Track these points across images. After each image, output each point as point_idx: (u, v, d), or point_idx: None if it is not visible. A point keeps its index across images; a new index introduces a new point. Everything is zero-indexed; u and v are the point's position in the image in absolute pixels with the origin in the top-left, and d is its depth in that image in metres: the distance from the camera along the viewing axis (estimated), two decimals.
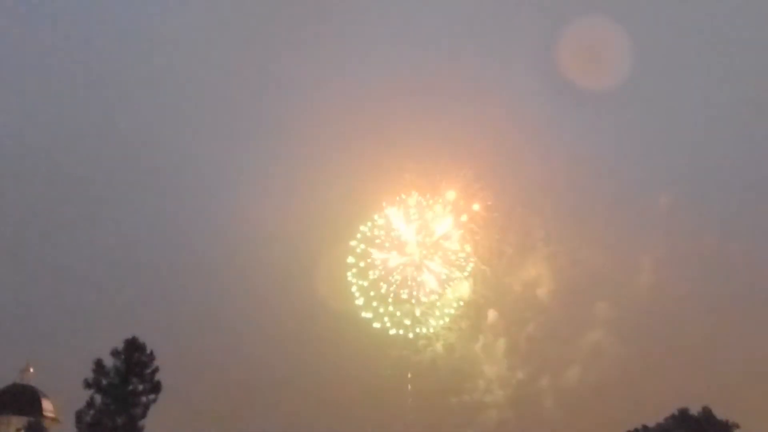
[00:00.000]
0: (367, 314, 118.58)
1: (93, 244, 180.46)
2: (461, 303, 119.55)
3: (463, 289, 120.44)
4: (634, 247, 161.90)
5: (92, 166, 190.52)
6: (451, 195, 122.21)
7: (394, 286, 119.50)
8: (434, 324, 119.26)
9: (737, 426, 75.51)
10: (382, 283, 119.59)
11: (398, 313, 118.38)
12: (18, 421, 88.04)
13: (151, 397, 65.54)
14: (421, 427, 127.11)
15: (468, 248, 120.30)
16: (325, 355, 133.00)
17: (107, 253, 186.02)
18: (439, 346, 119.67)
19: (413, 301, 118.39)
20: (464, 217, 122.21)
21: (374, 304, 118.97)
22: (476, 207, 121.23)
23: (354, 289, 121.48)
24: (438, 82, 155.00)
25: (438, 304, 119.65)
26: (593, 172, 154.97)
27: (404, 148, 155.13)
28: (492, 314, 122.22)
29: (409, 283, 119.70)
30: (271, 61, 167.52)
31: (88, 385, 63.80)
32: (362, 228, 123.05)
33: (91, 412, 63.19)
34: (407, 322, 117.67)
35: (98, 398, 63.71)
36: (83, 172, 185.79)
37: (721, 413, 75.57)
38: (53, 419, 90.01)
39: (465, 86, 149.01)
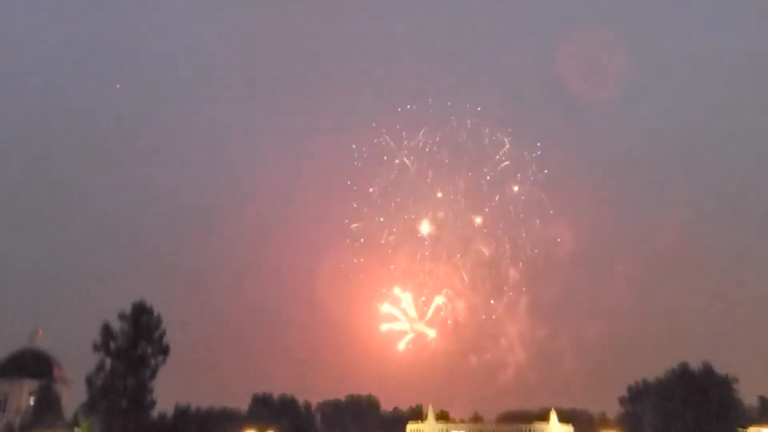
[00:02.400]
0: None
1: (97, 210, 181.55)
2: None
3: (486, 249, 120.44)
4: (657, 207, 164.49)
5: (92, 132, 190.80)
6: None
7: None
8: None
9: (736, 380, 76.23)
10: None
11: None
12: (30, 385, 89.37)
13: (160, 359, 66.55)
14: (443, 385, 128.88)
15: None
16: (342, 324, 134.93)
17: (112, 218, 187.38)
18: (460, 305, 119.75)
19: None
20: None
21: None
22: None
23: None
24: None
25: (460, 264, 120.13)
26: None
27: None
28: (513, 274, 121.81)
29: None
30: None
31: (97, 348, 64.79)
32: None
33: (102, 375, 64.32)
34: None
35: (108, 361, 64.76)
36: (84, 137, 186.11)
37: (720, 368, 76.33)
38: (64, 382, 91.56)
39: None
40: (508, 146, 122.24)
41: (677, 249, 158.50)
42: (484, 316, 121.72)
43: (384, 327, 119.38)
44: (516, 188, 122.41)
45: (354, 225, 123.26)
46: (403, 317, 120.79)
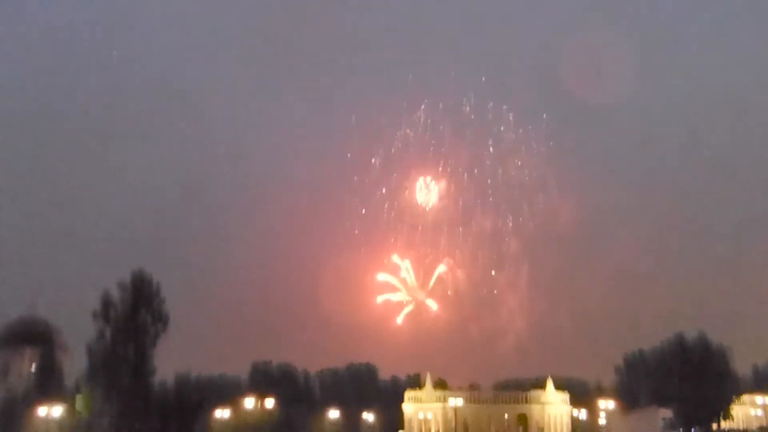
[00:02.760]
0: None
1: (98, 179, 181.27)
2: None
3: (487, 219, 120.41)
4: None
5: (99, 104, 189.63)
6: None
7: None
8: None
9: (731, 350, 76.84)
10: None
11: None
12: (31, 352, 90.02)
13: (160, 327, 66.92)
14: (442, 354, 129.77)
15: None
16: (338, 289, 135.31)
17: (112, 187, 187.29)
18: (461, 275, 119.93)
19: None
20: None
21: None
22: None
23: None
24: None
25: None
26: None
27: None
28: (515, 243, 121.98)
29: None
30: None
31: (96, 317, 65.11)
32: None
33: (102, 343, 64.77)
34: None
35: (108, 330, 65.16)
36: (89, 108, 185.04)
37: (715, 338, 76.89)
38: (65, 351, 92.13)
39: None
40: (512, 119, 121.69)
41: (676, 220, 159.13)
42: (485, 289, 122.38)
43: (382, 298, 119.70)
44: (519, 162, 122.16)
45: (355, 196, 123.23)
46: (402, 287, 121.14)
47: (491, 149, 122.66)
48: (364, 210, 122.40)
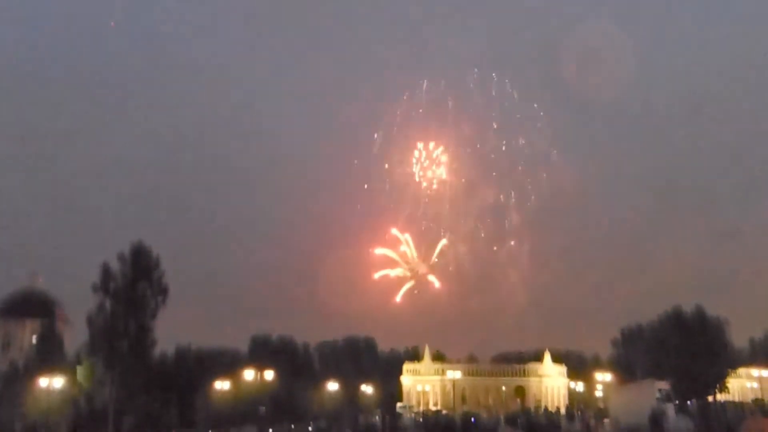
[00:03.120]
0: None
1: (97, 150, 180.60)
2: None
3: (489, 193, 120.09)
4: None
5: (98, 73, 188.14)
6: None
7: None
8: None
9: (728, 322, 77.12)
10: None
11: None
12: (32, 325, 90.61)
13: (160, 299, 67.06)
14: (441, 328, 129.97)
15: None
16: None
17: (112, 159, 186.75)
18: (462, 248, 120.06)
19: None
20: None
21: None
22: None
23: None
24: None
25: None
26: None
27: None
28: (516, 218, 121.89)
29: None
30: None
31: (96, 289, 65.23)
32: None
33: (102, 315, 64.99)
34: None
35: (107, 302, 65.35)
36: (90, 77, 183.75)
37: (713, 311, 77.11)
38: (65, 323, 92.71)
39: None
40: (516, 96, 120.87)
41: (678, 193, 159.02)
42: (485, 263, 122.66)
43: (382, 272, 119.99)
44: (522, 141, 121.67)
45: (357, 171, 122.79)
46: (402, 261, 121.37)
47: (494, 125, 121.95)
48: (366, 185, 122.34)
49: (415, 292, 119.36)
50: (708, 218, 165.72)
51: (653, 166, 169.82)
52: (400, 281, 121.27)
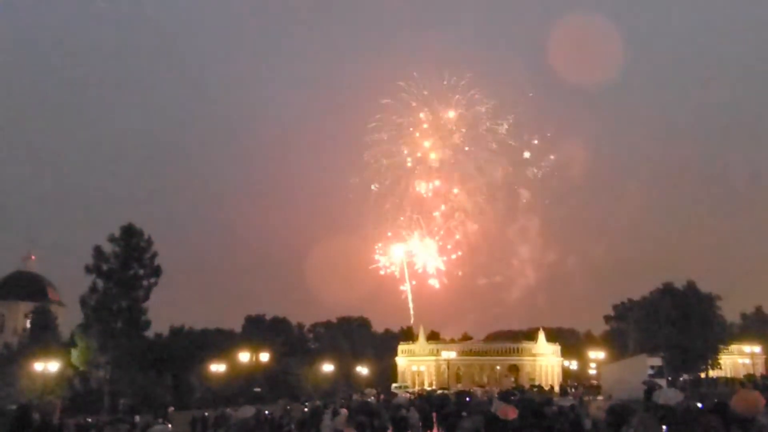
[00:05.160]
0: None
1: (89, 132, 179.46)
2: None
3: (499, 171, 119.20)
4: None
5: (93, 54, 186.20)
6: None
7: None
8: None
9: (719, 298, 77.41)
10: None
11: None
12: (25, 306, 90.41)
13: (152, 280, 67.17)
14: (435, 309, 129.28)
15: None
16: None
17: (105, 140, 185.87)
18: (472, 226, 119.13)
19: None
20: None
21: None
22: None
23: None
24: None
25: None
26: None
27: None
28: (525, 194, 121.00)
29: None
30: None
31: (89, 271, 65.23)
32: None
33: (95, 296, 65.04)
34: None
35: (100, 283, 65.37)
36: (86, 59, 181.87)
37: (705, 287, 77.42)
38: (59, 304, 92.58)
39: None
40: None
41: (684, 170, 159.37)
42: (488, 242, 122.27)
43: (384, 251, 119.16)
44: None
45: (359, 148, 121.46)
46: (408, 239, 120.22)
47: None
48: (369, 169, 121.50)
49: (416, 271, 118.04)
50: (699, 194, 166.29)
51: (662, 142, 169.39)
52: (405, 259, 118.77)
